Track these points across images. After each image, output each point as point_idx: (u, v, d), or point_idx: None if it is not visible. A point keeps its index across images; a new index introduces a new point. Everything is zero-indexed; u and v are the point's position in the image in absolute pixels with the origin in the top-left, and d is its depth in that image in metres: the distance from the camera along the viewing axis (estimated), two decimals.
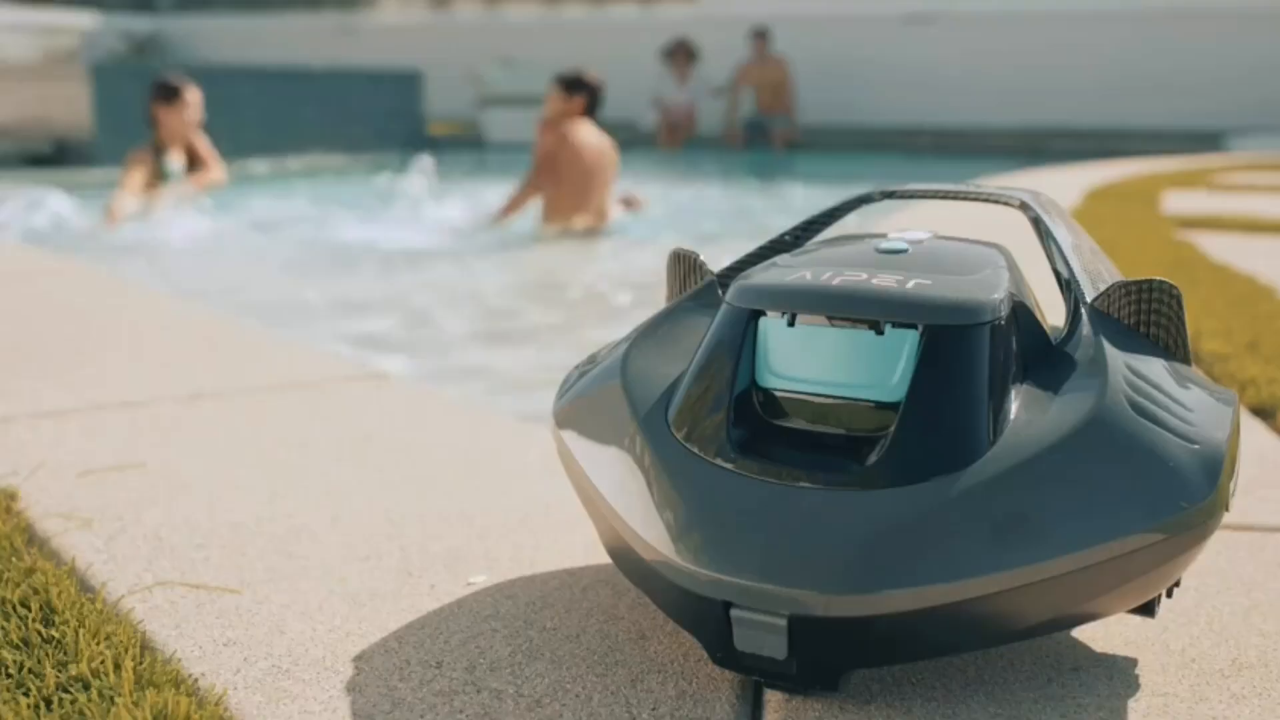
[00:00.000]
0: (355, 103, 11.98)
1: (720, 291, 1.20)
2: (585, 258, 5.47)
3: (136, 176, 6.37)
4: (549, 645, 1.14)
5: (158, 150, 6.51)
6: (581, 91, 5.94)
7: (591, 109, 6.01)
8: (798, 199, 8.19)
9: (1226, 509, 0.99)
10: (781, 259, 1.15)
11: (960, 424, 0.98)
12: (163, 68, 8.97)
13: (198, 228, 5.92)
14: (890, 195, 1.30)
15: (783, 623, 0.94)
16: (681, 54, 13.31)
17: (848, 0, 13.92)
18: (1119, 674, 1.08)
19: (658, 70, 13.28)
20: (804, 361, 1.03)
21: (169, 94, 6.53)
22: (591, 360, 1.23)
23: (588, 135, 5.91)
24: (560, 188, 5.82)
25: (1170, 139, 11.19)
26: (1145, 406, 0.99)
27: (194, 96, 6.63)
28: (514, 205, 5.91)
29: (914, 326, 1.00)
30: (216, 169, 6.87)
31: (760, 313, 1.05)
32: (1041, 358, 1.06)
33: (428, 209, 6.81)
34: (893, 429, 0.98)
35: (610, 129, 6.23)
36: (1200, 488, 0.96)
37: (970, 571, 0.92)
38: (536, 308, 4.36)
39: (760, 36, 13.04)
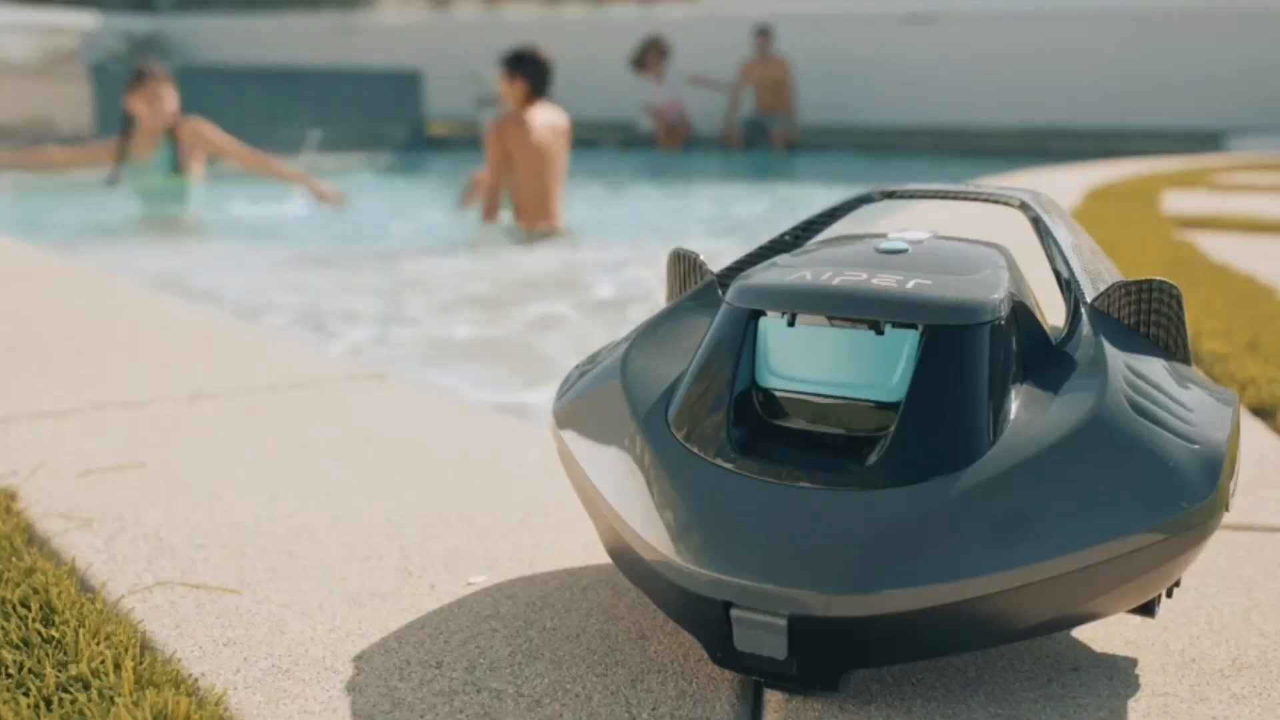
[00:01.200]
0: (354, 102, 11.99)
1: (720, 291, 1.20)
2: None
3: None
4: (549, 645, 1.13)
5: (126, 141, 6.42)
6: (521, 70, 5.54)
7: (540, 88, 5.60)
8: (795, 203, 8.19)
9: (1226, 509, 0.99)
10: (781, 259, 1.15)
11: (960, 424, 0.98)
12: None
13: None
14: (890, 195, 1.30)
15: (783, 623, 0.94)
16: (653, 54, 13.28)
17: (848, 0, 13.92)
18: (1119, 674, 1.08)
19: (634, 81, 13.25)
20: (804, 361, 1.03)
21: (138, 80, 6.40)
22: (592, 360, 1.23)
23: (539, 123, 5.57)
24: (518, 184, 5.58)
25: (1170, 139, 11.19)
26: (1145, 406, 0.99)
27: (165, 86, 6.47)
28: (487, 210, 5.66)
29: (914, 326, 1.00)
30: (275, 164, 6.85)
31: (760, 313, 1.05)
32: (1041, 358, 1.06)
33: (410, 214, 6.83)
34: (893, 429, 0.98)
35: (610, 131, 6.19)
36: (1200, 488, 0.96)
37: (970, 571, 0.92)
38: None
39: (763, 34, 13.01)
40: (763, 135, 12.86)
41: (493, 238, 5.62)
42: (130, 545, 1.39)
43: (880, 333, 1.00)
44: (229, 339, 2.60)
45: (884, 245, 1.11)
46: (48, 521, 1.46)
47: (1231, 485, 1.01)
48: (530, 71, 5.54)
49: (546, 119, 5.63)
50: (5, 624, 1.11)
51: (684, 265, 1.26)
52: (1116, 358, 1.03)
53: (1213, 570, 1.31)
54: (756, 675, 1.00)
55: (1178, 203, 5.47)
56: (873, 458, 0.98)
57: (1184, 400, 1.02)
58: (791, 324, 1.03)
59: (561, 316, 4.08)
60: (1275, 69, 12.12)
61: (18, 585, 1.19)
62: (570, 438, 1.15)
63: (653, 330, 1.20)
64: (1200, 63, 12.35)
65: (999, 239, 1.19)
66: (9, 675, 1.03)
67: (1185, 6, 12.41)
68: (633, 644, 1.13)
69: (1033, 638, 1.05)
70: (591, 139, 12.13)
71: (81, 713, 0.97)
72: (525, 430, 1.90)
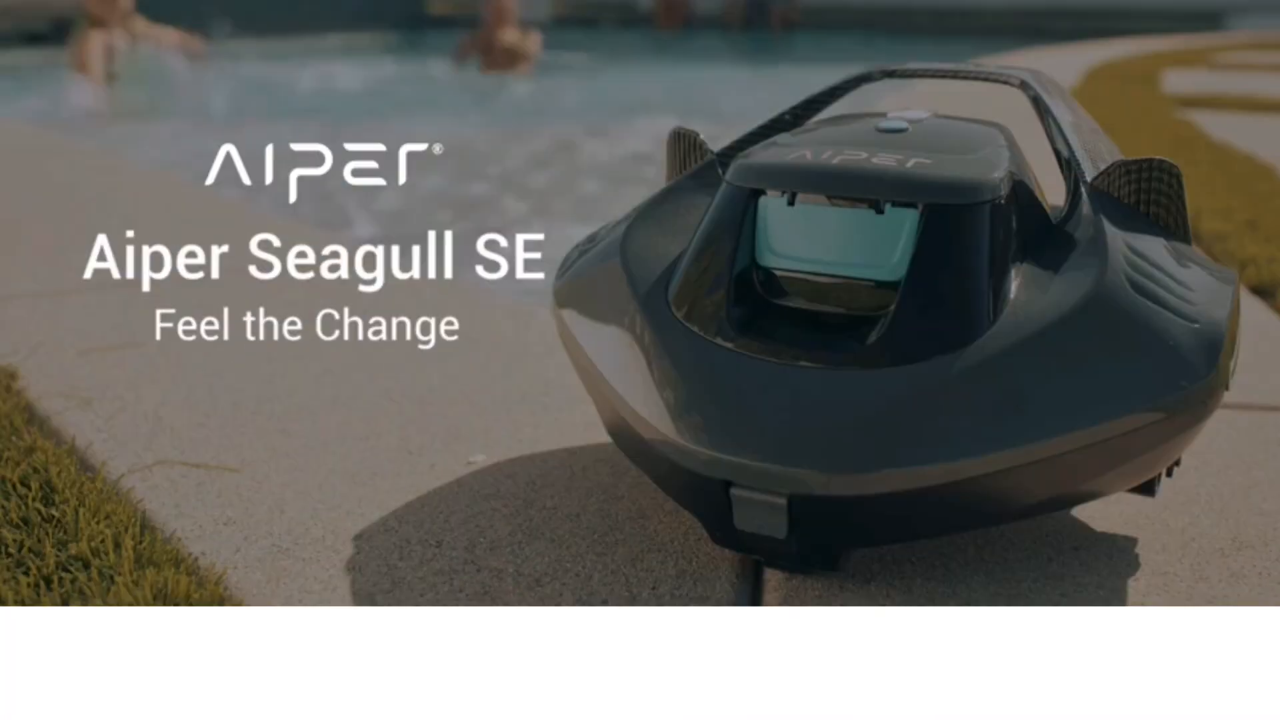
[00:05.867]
0: None
1: (720, 170, 1.20)
2: None
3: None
4: (548, 524, 1.14)
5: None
6: None
7: None
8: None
9: (1226, 388, 0.99)
10: (781, 138, 1.14)
11: (960, 303, 0.97)
12: None
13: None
14: (890, 74, 1.30)
15: (782, 502, 0.94)
16: None
17: None
18: (1119, 553, 1.08)
19: None
20: (804, 241, 1.02)
21: None
22: (591, 239, 1.22)
23: None
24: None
25: (1170, 18, 11.10)
26: (1145, 285, 0.99)
27: None
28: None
29: (914, 205, 0.99)
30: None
31: (760, 191, 1.04)
32: (1041, 237, 1.06)
33: None
34: (892, 308, 0.97)
35: (608, 10, 6.23)
36: (1200, 367, 0.96)
37: (970, 451, 0.92)
38: None
39: None
40: (762, 14, 12.74)
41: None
42: (130, 424, 1.39)
43: (880, 212, 1.00)
44: (230, 216, 2.59)
45: (884, 124, 1.10)
46: (48, 400, 1.46)
47: (1231, 364, 1.01)
48: None
49: None
50: (5, 503, 1.11)
51: (684, 145, 1.25)
52: (1116, 237, 1.03)
53: (1213, 449, 1.32)
54: (756, 555, 1.00)
55: (1177, 82, 5.44)
56: (872, 337, 0.98)
57: (1184, 279, 1.02)
58: (791, 203, 1.02)
59: None
60: None
61: (18, 464, 1.19)
62: (570, 316, 1.15)
63: (653, 210, 1.19)
64: None
65: (998, 118, 1.18)
66: (9, 554, 1.03)
67: None
68: (632, 523, 1.14)
69: (1033, 517, 1.06)
70: (590, 18, 12.05)
71: (81, 591, 0.97)
72: (524, 309, 1.89)
